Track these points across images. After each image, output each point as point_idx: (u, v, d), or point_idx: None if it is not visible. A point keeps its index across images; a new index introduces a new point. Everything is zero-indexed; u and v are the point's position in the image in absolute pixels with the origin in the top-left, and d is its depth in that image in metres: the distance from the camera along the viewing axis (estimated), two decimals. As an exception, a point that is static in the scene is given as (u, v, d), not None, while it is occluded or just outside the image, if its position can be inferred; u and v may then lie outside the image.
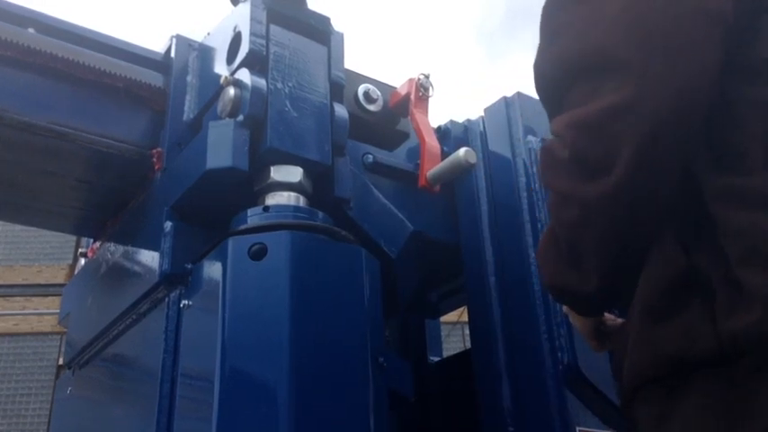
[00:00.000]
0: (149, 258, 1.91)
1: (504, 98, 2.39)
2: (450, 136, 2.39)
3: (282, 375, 1.49)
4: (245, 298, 1.57)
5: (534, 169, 2.26)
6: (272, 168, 1.78)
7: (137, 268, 1.98)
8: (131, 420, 1.86)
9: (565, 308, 1.45)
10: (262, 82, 1.81)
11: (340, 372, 1.58)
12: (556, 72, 1.11)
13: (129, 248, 2.05)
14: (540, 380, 2.04)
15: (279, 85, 1.84)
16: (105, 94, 2.05)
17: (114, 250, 2.17)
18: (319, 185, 1.84)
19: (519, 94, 2.38)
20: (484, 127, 2.41)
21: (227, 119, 1.79)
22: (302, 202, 1.79)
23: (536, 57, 1.17)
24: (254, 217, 1.71)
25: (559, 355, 2.04)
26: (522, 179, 2.23)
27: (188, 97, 2.08)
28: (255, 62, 1.85)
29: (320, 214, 1.76)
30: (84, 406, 2.24)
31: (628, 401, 1.11)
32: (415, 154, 2.34)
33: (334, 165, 1.87)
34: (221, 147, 1.74)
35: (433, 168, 1.85)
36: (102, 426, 2.01)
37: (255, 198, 1.80)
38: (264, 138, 1.77)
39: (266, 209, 1.70)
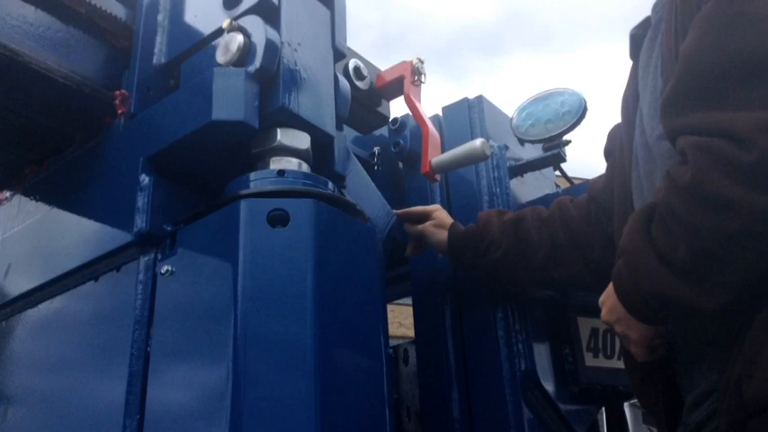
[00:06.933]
0: (109, 215, 1.63)
1: (467, 100, 2.35)
2: (406, 128, 2.30)
3: (307, 340, 1.33)
4: (263, 268, 1.38)
5: (497, 174, 2.24)
6: (278, 130, 1.59)
7: (87, 225, 1.68)
8: (75, 395, 1.57)
9: (614, 316, 1.31)
10: (275, 34, 1.62)
11: (362, 356, 1.44)
12: (729, 63, 1.06)
13: (75, 202, 1.74)
14: (495, 387, 1.99)
15: (289, 41, 1.66)
16: (64, 18, 1.75)
17: (44, 203, 1.83)
18: (318, 157, 1.68)
19: (481, 97, 2.36)
20: (440, 125, 2.35)
21: (233, 68, 1.59)
22: (306, 171, 1.62)
23: (697, 41, 1.11)
24: (266, 180, 1.51)
25: (517, 361, 2.02)
26: (484, 182, 2.19)
27: (158, 38, 1.83)
28: (267, 12, 1.66)
29: (332, 186, 1.61)
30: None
31: (745, 418, 1.08)
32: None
33: (335, 138, 1.72)
34: (230, 97, 1.53)
35: (438, 156, 1.74)
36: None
37: (253, 160, 1.61)
38: (276, 95, 1.58)
39: (281, 173, 1.52)
